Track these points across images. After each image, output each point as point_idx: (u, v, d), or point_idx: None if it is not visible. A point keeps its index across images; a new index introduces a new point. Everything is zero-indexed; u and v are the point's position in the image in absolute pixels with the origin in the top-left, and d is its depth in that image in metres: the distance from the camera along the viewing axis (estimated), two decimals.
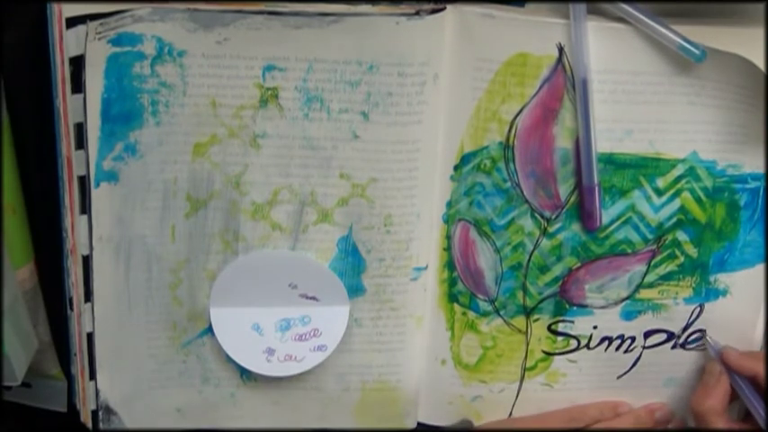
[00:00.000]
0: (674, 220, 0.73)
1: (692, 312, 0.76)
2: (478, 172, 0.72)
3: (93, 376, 0.74)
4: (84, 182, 0.68)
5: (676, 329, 0.77)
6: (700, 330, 0.77)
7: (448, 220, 0.74)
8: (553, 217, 0.72)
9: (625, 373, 0.78)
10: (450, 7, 0.67)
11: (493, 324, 0.76)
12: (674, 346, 0.77)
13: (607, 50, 0.67)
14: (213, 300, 0.73)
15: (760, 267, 0.75)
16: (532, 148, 0.70)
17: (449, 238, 0.74)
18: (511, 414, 0.80)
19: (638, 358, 0.78)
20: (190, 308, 0.74)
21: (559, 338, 0.77)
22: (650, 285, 0.75)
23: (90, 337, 0.73)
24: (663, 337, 0.77)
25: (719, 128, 0.70)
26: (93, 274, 0.71)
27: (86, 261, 0.70)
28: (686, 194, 0.72)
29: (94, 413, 0.75)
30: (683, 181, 0.72)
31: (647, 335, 0.77)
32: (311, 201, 0.71)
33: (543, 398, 0.79)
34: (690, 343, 0.77)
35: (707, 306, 0.76)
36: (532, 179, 0.71)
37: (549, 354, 0.77)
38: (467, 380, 0.78)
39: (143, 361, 0.75)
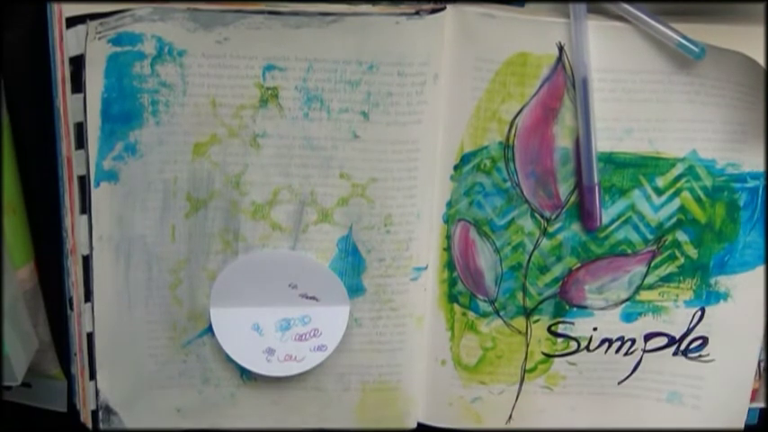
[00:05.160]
0: (674, 219, 0.73)
1: (693, 316, 0.76)
2: (478, 172, 0.72)
3: (93, 376, 0.74)
4: (84, 182, 0.68)
5: (677, 334, 0.77)
6: (702, 337, 0.77)
7: (448, 220, 0.74)
8: (553, 217, 0.72)
9: (626, 379, 0.78)
10: (450, 7, 0.67)
11: (493, 325, 0.76)
12: (675, 353, 0.77)
13: (607, 49, 0.67)
14: (213, 300, 0.73)
15: (760, 270, 0.75)
16: (532, 147, 0.70)
17: (449, 238, 0.74)
18: (510, 417, 0.80)
19: (639, 362, 0.77)
20: (190, 308, 0.74)
21: (559, 340, 0.77)
22: (650, 287, 0.75)
23: (90, 336, 0.72)
24: (663, 341, 0.77)
25: (719, 126, 0.70)
26: (93, 274, 0.71)
27: (86, 261, 0.70)
28: (686, 194, 0.72)
29: (94, 413, 0.75)
30: (683, 180, 0.72)
31: (647, 337, 0.77)
32: (311, 201, 0.71)
33: (543, 401, 0.79)
34: (692, 351, 0.77)
35: (708, 310, 0.76)
36: (532, 179, 0.71)
37: (548, 356, 0.77)
38: (466, 381, 0.78)
39: (143, 361, 0.75)
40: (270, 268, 0.73)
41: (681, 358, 0.77)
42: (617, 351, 0.77)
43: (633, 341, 0.77)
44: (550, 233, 0.73)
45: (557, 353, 0.77)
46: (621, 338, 0.77)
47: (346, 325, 0.74)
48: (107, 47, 0.65)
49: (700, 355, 0.77)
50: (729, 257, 0.75)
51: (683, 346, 0.77)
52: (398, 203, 0.72)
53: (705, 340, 0.77)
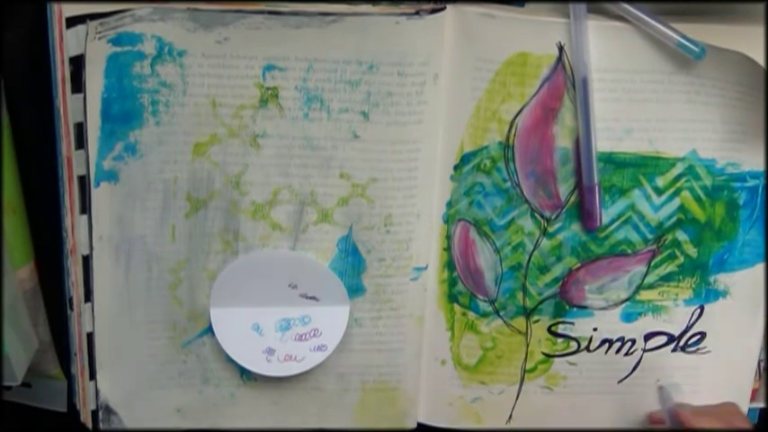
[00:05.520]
0: (674, 219, 0.73)
1: (692, 314, 0.76)
2: (478, 172, 0.72)
3: (93, 376, 0.74)
4: (84, 182, 0.68)
5: (676, 332, 0.77)
6: (700, 333, 0.77)
7: (448, 220, 0.74)
8: (553, 217, 0.72)
9: (626, 378, 0.78)
10: (450, 7, 0.67)
11: (493, 325, 0.76)
12: (674, 349, 0.77)
13: (607, 49, 0.67)
14: (213, 300, 0.73)
15: (759, 267, 0.75)
16: (532, 147, 0.70)
17: (449, 238, 0.74)
18: (510, 417, 0.80)
19: (639, 362, 0.78)
20: (190, 308, 0.74)
21: (559, 340, 0.77)
22: (650, 286, 0.75)
23: (90, 337, 0.73)
24: (663, 339, 0.77)
25: (719, 126, 0.70)
26: (93, 274, 0.71)
27: (86, 261, 0.70)
28: (686, 193, 0.72)
29: (94, 413, 0.75)
30: (683, 180, 0.72)
31: (647, 337, 0.77)
32: (311, 201, 0.71)
33: (543, 401, 0.79)
34: (690, 346, 0.77)
35: (707, 308, 0.76)
36: (532, 179, 0.71)
37: (548, 356, 0.77)
38: (467, 381, 0.78)
39: (143, 361, 0.75)
40: (270, 268, 0.73)
41: (680, 353, 0.78)
42: (617, 351, 0.77)
43: (633, 341, 0.77)
44: (550, 233, 0.73)
45: (557, 353, 0.77)
46: (621, 338, 0.77)
47: (346, 325, 0.74)
48: (107, 47, 0.65)
49: (698, 349, 0.77)
50: (729, 255, 0.75)
51: (681, 343, 0.77)
52: (398, 203, 0.72)
53: (703, 335, 0.77)
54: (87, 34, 0.64)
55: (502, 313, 0.76)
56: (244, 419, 0.78)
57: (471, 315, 0.76)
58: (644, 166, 0.71)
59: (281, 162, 0.70)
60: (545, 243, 0.73)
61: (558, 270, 0.74)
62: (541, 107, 0.69)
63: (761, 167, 0.72)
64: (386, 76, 0.68)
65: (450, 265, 0.75)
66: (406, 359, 0.77)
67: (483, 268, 0.74)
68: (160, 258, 0.72)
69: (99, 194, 0.68)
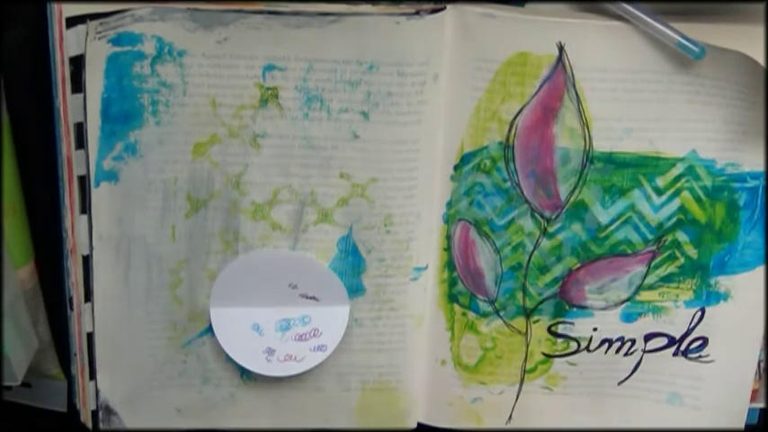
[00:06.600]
0: (674, 219, 0.73)
1: (693, 316, 0.76)
2: (478, 172, 0.72)
3: (93, 376, 0.74)
4: (84, 182, 0.68)
5: (677, 334, 0.76)
6: (702, 338, 0.77)
7: (448, 220, 0.74)
8: (553, 217, 0.72)
9: (626, 379, 0.78)
10: (450, 7, 0.67)
11: (493, 325, 0.76)
12: (675, 353, 0.77)
13: (607, 49, 0.67)
14: (213, 300, 0.73)
15: (760, 271, 0.75)
16: (532, 147, 0.70)
17: (449, 238, 0.74)
18: (510, 417, 0.80)
19: (639, 363, 0.77)
20: (190, 308, 0.74)
21: (559, 340, 0.77)
22: (650, 287, 0.75)
23: (90, 336, 0.73)
24: (664, 341, 0.77)
25: (719, 126, 0.70)
26: (93, 274, 0.71)
27: (86, 261, 0.70)
28: (686, 194, 0.72)
29: (94, 413, 0.75)
30: (683, 180, 0.71)
31: (647, 338, 0.77)
32: (311, 201, 0.71)
33: (543, 401, 0.79)
34: (692, 351, 0.77)
35: (708, 311, 0.76)
36: (532, 179, 0.71)
37: (548, 356, 0.77)
38: (467, 381, 0.78)
39: (143, 361, 0.75)
40: (270, 268, 0.73)
41: (681, 359, 0.77)
42: (617, 351, 0.77)
43: (633, 341, 0.77)
44: (550, 233, 0.73)
45: (557, 353, 0.77)
46: (621, 339, 0.77)
47: (346, 325, 0.74)
48: (107, 47, 0.65)
49: (700, 356, 0.77)
50: (729, 257, 0.75)
51: (683, 347, 0.77)
52: (398, 203, 0.72)
53: (705, 341, 0.77)
54: (87, 34, 0.64)
55: (502, 313, 0.76)
56: (244, 419, 0.78)
57: (471, 315, 0.76)
58: (644, 166, 0.71)
59: (281, 162, 0.70)
60: (545, 243, 0.73)
61: (558, 270, 0.74)
62: (541, 107, 0.69)
63: (761, 168, 0.72)
64: (386, 76, 0.68)
65: (450, 265, 0.75)
66: (406, 359, 0.77)
67: (483, 268, 0.74)
68: (160, 258, 0.72)
69: (99, 194, 0.68)
